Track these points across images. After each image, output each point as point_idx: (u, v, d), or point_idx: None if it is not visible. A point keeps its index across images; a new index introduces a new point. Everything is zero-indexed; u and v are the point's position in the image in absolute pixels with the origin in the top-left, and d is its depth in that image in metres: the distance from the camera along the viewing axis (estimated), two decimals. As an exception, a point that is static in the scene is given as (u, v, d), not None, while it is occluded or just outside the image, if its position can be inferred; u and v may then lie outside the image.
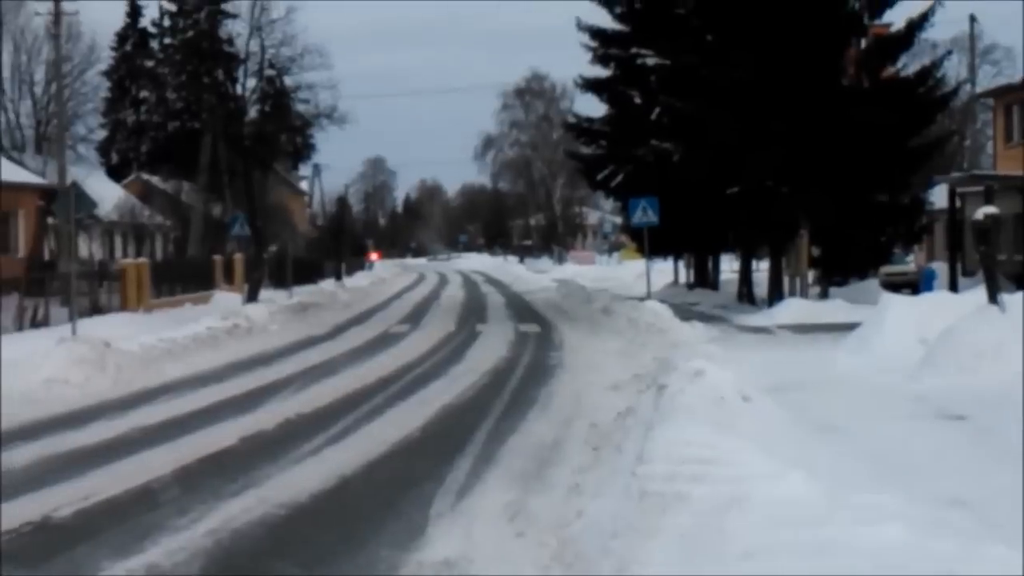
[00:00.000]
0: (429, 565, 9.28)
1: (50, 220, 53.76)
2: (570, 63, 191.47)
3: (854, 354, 22.47)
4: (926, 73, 38.96)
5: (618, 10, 44.25)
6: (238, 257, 54.92)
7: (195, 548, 9.92)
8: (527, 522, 10.41)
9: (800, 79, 34.79)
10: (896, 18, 38.02)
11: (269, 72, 68.62)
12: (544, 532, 9.97)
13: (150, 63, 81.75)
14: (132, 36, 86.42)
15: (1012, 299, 19.87)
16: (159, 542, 10.10)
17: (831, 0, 36.07)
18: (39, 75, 68.96)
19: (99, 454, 14.54)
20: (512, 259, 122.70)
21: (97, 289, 39.45)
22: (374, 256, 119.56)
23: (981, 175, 47.84)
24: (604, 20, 45.08)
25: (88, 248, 63.47)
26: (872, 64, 38.20)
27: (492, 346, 28.88)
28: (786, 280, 39.58)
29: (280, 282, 52.69)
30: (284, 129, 71.47)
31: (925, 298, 26.64)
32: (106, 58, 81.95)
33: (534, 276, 77.66)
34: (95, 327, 29.06)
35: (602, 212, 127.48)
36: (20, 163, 59.37)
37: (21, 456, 14.36)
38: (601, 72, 46.87)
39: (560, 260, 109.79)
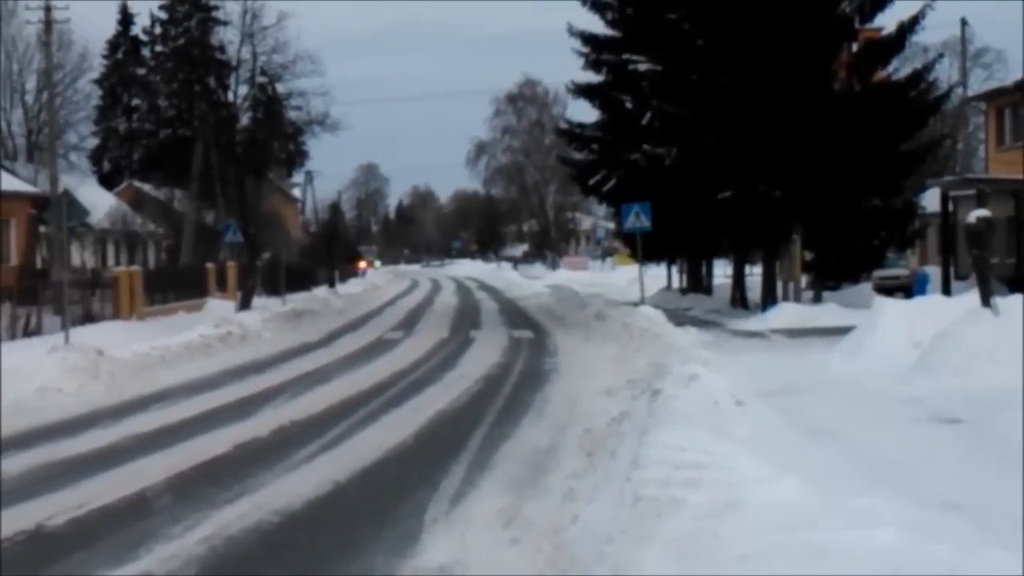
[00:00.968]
0: (424, 571, 9.29)
1: (42, 228, 53.75)
2: (562, 69, 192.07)
3: (848, 358, 22.50)
4: (917, 77, 38.98)
5: (610, 16, 44.24)
6: (231, 264, 54.95)
7: (189, 556, 9.92)
8: (522, 528, 10.42)
9: (791, 83, 34.85)
10: (887, 22, 38.06)
11: (261, 79, 68.57)
12: (539, 537, 9.98)
13: (141, 71, 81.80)
14: (123, 44, 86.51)
15: (1005, 302, 19.92)
16: (153, 550, 10.09)
17: (822, 4, 36.10)
18: (30, 83, 69.09)
19: (93, 462, 14.53)
20: (505, 265, 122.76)
21: (90, 297, 39.44)
22: (362, 264, 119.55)
23: (973, 179, 47.85)
24: (596, 26, 45.16)
25: (80, 256, 63.43)
26: (863, 68, 38.24)
27: (486, 352, 28.88)
28: (779, 284, 39.61)
29: (273, 289, 52.64)
30: (276, 136, 71.40)
31: (918, 302, 26.68)
32: (97, 66, 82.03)
33: (527, 282, 77.69)
34: (88, 335, 29.06)
35: (595, 218, 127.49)
36: (12, 171, 59.34)
37: (15, 465, 14.34)
38: (593, 78, 46.92)
39: (553, 266, 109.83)
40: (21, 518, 11.40)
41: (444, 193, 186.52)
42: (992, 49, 76.89)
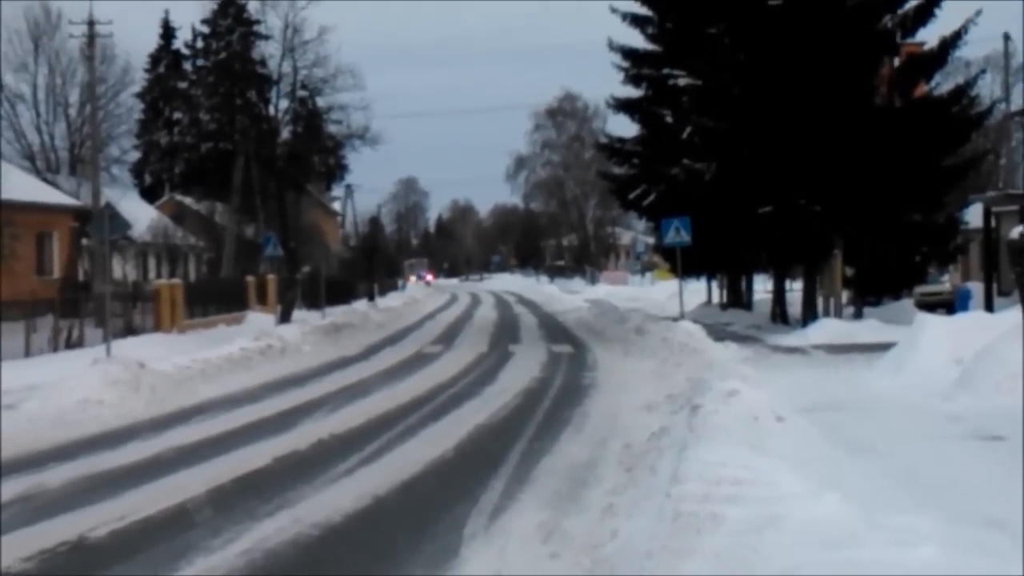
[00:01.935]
0: (463, 586, 9.31)
1: (84, 241, 54.22)
2: (602, 83, 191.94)
3: (889, 374, 22.39)
4: (960, 92, 38.80)
5: (650, 30, 44.21)
6: (271, 278, 55.19)
7: (229, 568, 9.97)
8: (561, 543, 10.41)
9: (832, 98, 34.73)
10: (929, 36, 37.91)
11: (302, 93, 68.67)
12: (578, 553, 9.97)
13: (183, 84, 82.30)
14: (165, 58, 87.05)
15: (1048, 319, 19.80)
16: (194, 562, 10.14)
17: (863, 18, 35.97)
18: (73, 97, 69.32)
19: (134, 474, 14.61)
20: (544, 279, 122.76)
21: (131, 310, 39.72)
22: (429, 277, 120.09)
23: (1016, 194, 47.56)
24: (636, 40, 45.13)
25: (122, 269, 63.85)
26: (905, 83, 38.11)
27: (525, 367, 28.88)
28: (820, 300, 39.49)
29: (313, 303, 52.81)
30: (317, 150, 71.53)
31: (960, 318, 26.52)
32: (140, 80, 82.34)
33: (567, 296, 77.67)
34: (129, 348, 29.27)
35: (634, 232, 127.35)
36: (55, 185, 59.71)
37: (57, 476, 14.46)
38: (633, 92, 46.84)
39: (593, 280, 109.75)
40: (63, 529, 11.48)
41: (483, 207, 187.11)
42: (1035, 64, 76.27)
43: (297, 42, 63.81)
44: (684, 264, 38.65)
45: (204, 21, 76.71)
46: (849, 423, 16.75)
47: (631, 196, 49.57)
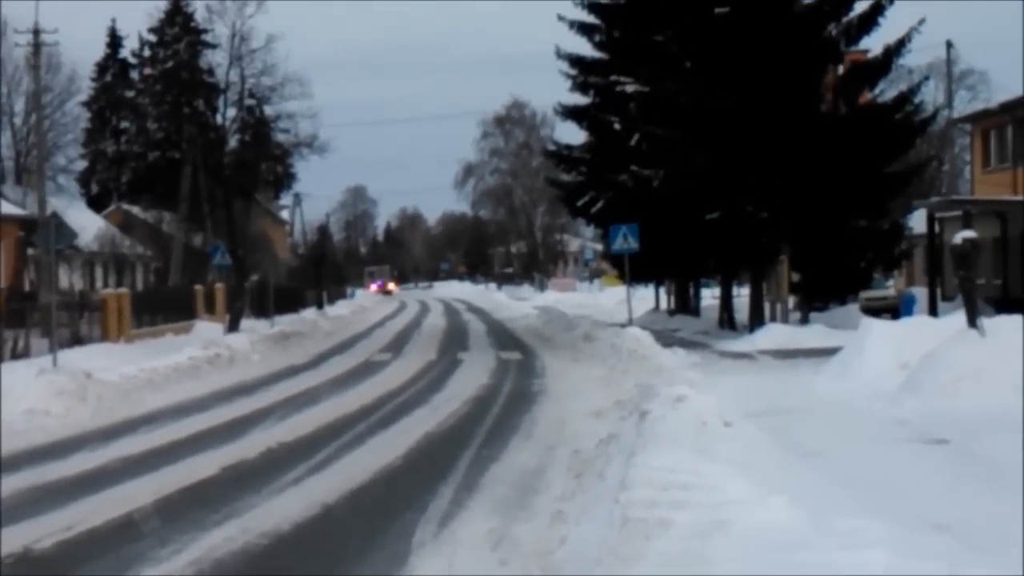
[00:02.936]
0: (412, 594, 9.28)
1: (30, 251, 53.71)
2: (550, 91, 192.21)
3: (835, 379, 22.50)
4: (903, 99, 39.09)
5: (597, 38, 44.20)
6: (219, 287, 54.80)
7: (177, 579, 9.89)
8: (510, 550, 10.39)
9: (778, 105, 34.91)
10: (874, 44, 38.15)
11: (249, 101, 68.58)
12: (527, 559, 9.96)
13: (130, 93, 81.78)
14: (112, 66, 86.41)
15: (991, 323, 19.95)
16: (141, 573, 10.06)
17: (808, 26, 36.22)
18: (19, 106, 68.87)
19: (80, 485, 14.48)
20: (492, 287, 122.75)
21: (78, 320, 39.31)
22: (392, 285, 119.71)
23: (959, 200, 48.01)
24: (584, 48, 45.10)
25: (68, 279, 63.32)
26: (850, 90, 38.36)
27: (474, 374, 28.85)
28: (767, 306, 39.67)
29: (262, 311, 52.56)
30: (265, 158, 71.43)
31: (905, 323, 26.69)
32: (86, 88, 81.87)
33: (515, 303, 77.65)
34: (76, 358, 28.98)
35: (583, 239, 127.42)
36: (0, 194, 59.20)
37: (2, 487, 14.29)
38: (581, 99, 46.84)
39: (541, 287, 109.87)
40: (9, 541, 11.34)
41: (432, 215, 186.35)
42: (977, 71, 76.92)
43: (245, 50, 63.89)
44: (632, 270, 38.73)
45: (151, 30, 76.34)
46: (796, 428, 16.81)
47: (579, 203, 49.59)
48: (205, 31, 71.64)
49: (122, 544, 11.19)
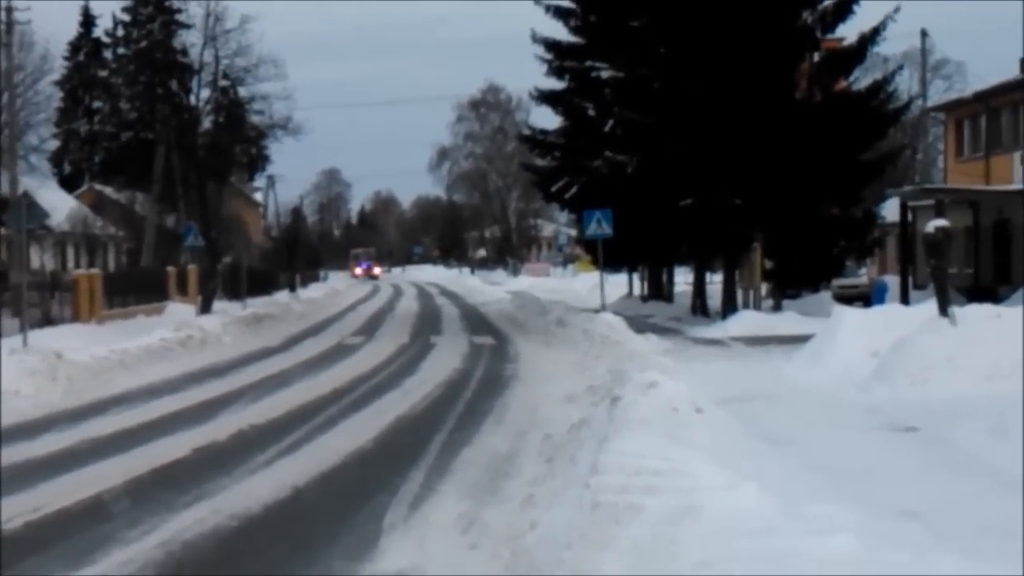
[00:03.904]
0: (382, 576, 9.28)
1: (1, 231, 53.33)
2: (525, 75, 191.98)
3: (806, 366, 22.58)
4: (878, 87, 39.21)
5: (573, 23, 44.19)
6: (192, 268, 54.66)
7: (146, 560, 9.87)
8: (481, 533, 10.40)
9: (753, 92, 34.93)
10: (849, 32, 38.19)
11: (223, 83, 68.24)
12: (497, 543, 9.96)
13: (103, 73, 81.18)
14: (85, 46, 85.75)
15: (962, 312, 20.06)
16: (110, 554, 10.04)
17: (784, 14, 36.24)
18: (-10, 85, 68.36)
19: (50, 465, 14.43)
20: (466, 271, 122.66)
21: (48, 300, 39.15)
22: (377, 269, 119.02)
23: (932, 189, 48.23)
24: (559, 32, 45.09)
25: (40, 259, 62.93)
26: (825, 78, 38.41)
27: (446, 358, 28.84)
28: (740, 292, 39.75)
29: (234, 293, 52.42)
30: (238, 140, 71.14)
31: (877, 311, 26.83)
32: (59, 68, 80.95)
33: (489, 288, 77.58)
34: (46, 338, 28.86)
35: (557, 224, 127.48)
36: (-29, 173, 58.88)
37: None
38: (556, 84, 46.85)
39: (515, 272, 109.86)
40: (-24, 521, 11.33)
41: (406, 199, 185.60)
42: (952, 61, 77.25)
43: (219, 31, 63.56)
44: (606, 256, 38.72)
45: (125, 9, 75.80)
46: (767, 414, 16.88)
47: (553, 188, 49.64)
48: (179, 11, 71.27)
49: (92, 525, 11.17)
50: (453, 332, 38.91)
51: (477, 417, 18.26)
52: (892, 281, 43.15)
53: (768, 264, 39.62)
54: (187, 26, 70.31)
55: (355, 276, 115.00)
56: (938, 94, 67.17)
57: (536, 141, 52.20)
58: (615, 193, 37.85)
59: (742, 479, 9.08)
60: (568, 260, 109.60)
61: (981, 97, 50.12)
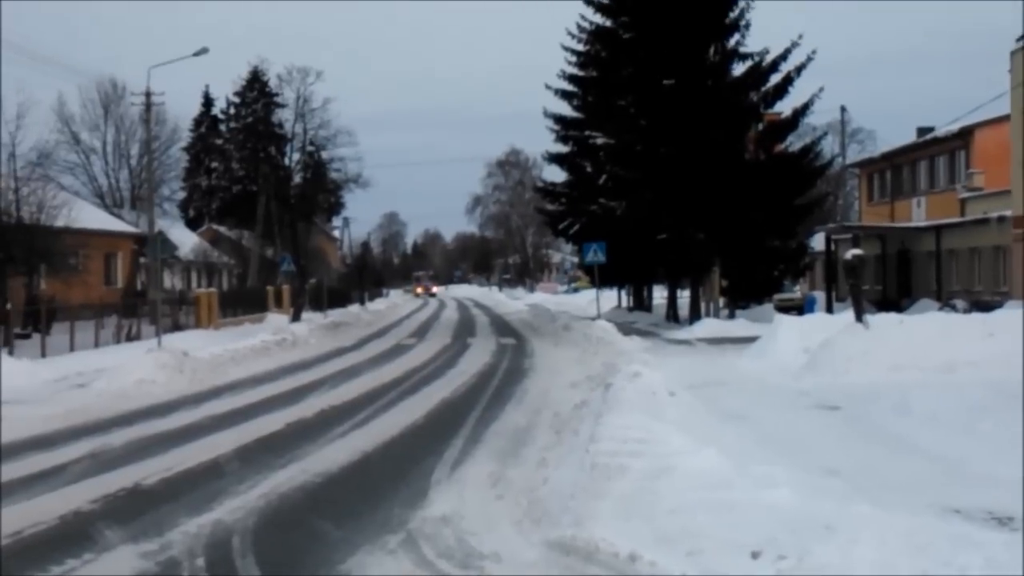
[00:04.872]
0: (431, 519, 9.25)
1: (142, 260, 53.58)
2: (539, 141, 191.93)
3: (754, 360, 22.50)
4: (808, 149, 39.10)
5: (575, 102, 44.33)
6: (286, 288, 54.77)
7: (250, 508, 9.88)
8: (506, 487, 10.37)
9: (712, 154, 34.99)
10: (785, 108, 38.15)
11: (310, 148, 68.05)
12: (518, 495, 9.93)
13: (219, 141, 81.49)
14: (206, 121, 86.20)
15: (873, 319, 20.00)
16: (223, 503, 10.06)
17: (735, 94, 36.35)
18: (134, 150, 68.87)
19: (178, 436, 14.46)
20: (495, 288, 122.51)
21: (177, 312, 39.32)
22: (435, 288, 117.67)
23: (850, 226, 48.17)
24: (565, 109, 45.17)
25: (171, 281, 63.15)
26: (767, 142, 38.31)
27: (479, 355, 28.79)
28: (703, 304, 39.64)
29: (317, 306, 52.55)
30: (321, 191, 70.96)
31: (808, 318, 26.69)
32: (186, 137, 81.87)
33: (511, 301, 77.44)
34: (176, 340, 28.96)
35: (563, 253, 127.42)
36: (119, 217, 59.31)
37: (119, 438, 14.29)
38: (562, 148, 46.79)
39: (531, 289, 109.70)
40: (122, 478, 11.36)
41: (448, 234, 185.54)
42: (865, 128, 76.97)
43: (307, 109, 63.34)
44: (600, 277, 38.65)
45: (236, 93, 76.10)
46: (724, 397, 16.80)
47: (561, 226, 49.68)
48: (276, 94, 71.24)
49: (210, 481, 11.19)
50: (484, 335, 38.84)
51: (502, 399, 18.22)
52: (819, 296, 43.01)
53: (724, 283, 39.50)
54: (282, 106, 70.17)
55: (417, 294, 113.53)
56: (854, 154, 66.82)
57: (547, 191, 52.16)
58: (608, 230, 37.79)
59: (705, 446, 9.04)
60: (572, 280, 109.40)
61: (887, 156, 50.17)
